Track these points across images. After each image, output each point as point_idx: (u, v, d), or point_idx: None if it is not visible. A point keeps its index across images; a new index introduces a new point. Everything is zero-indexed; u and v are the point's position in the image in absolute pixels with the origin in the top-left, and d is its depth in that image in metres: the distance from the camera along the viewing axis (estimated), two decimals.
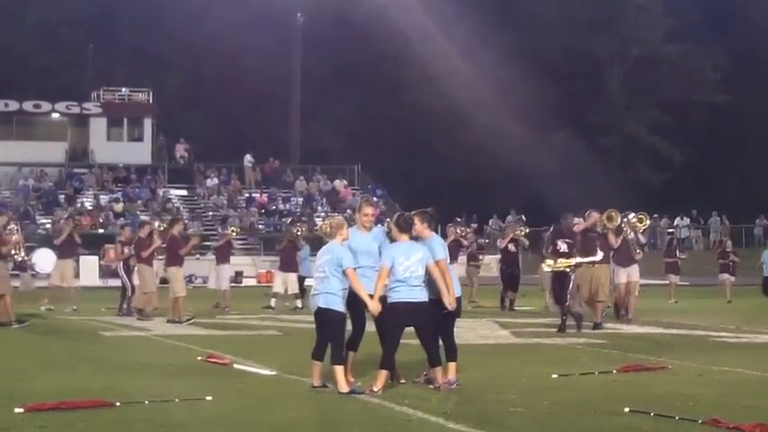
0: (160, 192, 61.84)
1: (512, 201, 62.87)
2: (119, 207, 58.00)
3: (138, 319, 24.77)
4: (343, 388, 12.79)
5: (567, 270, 21.81)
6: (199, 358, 16.35)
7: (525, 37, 72.98)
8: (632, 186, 69.84)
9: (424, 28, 69.53)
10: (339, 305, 13.06)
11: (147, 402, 12.03)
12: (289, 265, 29.73)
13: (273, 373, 14.89)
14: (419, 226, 13.63)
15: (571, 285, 21.91)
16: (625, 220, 24.53)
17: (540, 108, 67.24)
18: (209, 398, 12.39)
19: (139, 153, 65.35)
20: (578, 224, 23.37)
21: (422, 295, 13.15)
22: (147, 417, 11.38)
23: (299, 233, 31.40)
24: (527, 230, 32.33)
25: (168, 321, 23.89)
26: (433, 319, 13.38)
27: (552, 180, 63.58)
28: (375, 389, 12.75)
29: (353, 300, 13.20)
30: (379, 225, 15.66)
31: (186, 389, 12.91)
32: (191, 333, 21.35)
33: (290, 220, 51.87)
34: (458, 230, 32.11)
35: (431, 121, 73.13)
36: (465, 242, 33.15)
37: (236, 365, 15.67)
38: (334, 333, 13.09)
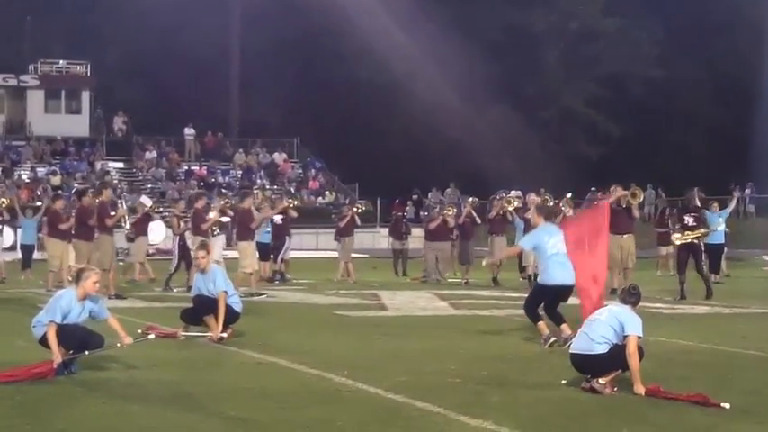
0: (98, 164, 61.49)
1: (450, 174, 63.04)
2: (56, 180, 57.54)
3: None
4: None
5: (696, 242, 23.67)
6: (139, 330, 16.36)
7: (464, 11, 72.93)
8: (569, 159, 70.14)
9: (364, 1, 69.36)
10: None
11: (86, 372, 12.04)
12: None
13: (214, 344, 14.96)
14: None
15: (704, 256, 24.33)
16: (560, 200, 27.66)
17: (478, 82, 67.25)
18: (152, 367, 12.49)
19: (77, 126, 64.97)
20: (603, 198, 25.54)
21: None
22: (86, 387, 11.42)
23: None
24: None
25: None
26: None
27: (490, 153, 63.77)
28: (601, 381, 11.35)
29: None
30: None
31: (126, 359, 12.94)
32: (130, 306, 21.34)
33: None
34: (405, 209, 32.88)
35: (370, 95, 73.00)
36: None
37: (179, 335, 15.78)
38: None
